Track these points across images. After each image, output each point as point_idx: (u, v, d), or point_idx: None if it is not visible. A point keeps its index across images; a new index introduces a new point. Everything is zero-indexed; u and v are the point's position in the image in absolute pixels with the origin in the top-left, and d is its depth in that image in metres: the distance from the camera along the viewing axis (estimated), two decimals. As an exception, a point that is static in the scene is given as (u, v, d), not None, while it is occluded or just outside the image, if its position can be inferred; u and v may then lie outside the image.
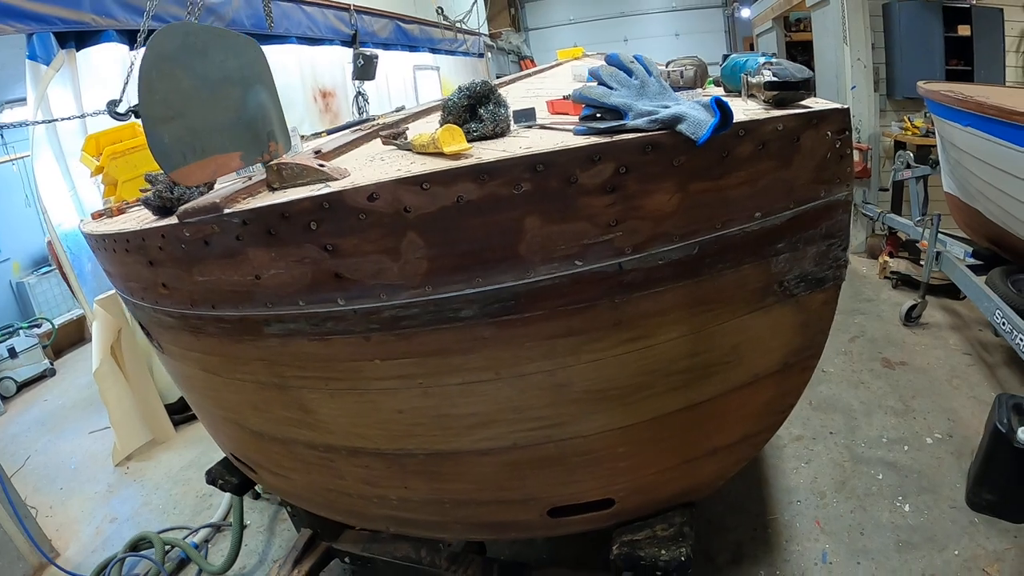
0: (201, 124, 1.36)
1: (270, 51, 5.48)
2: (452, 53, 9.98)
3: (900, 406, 3.73)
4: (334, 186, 1.37)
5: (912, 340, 4.57)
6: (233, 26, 4.92)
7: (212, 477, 2.55)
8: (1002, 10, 6.45)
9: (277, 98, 1.64)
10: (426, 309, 1.37)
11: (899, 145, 6.26)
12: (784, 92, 1.39)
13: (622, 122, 1.33)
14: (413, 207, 1.29)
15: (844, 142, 1.38)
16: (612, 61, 1.47)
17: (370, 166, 1.60)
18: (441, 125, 1.48)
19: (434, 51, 9.25)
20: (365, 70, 6.05)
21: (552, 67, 5.51)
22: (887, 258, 5.65)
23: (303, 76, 6.00)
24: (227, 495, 3.41)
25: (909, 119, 6.29)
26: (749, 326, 1.51)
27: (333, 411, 1.63)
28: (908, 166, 5.30)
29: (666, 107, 1.30)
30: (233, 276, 1.44)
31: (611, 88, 1.41)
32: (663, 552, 1.72)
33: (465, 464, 1.64)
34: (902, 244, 5.74)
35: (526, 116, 1.70)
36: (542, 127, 1.65)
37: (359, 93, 6.43)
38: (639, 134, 1.29)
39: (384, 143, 1.89)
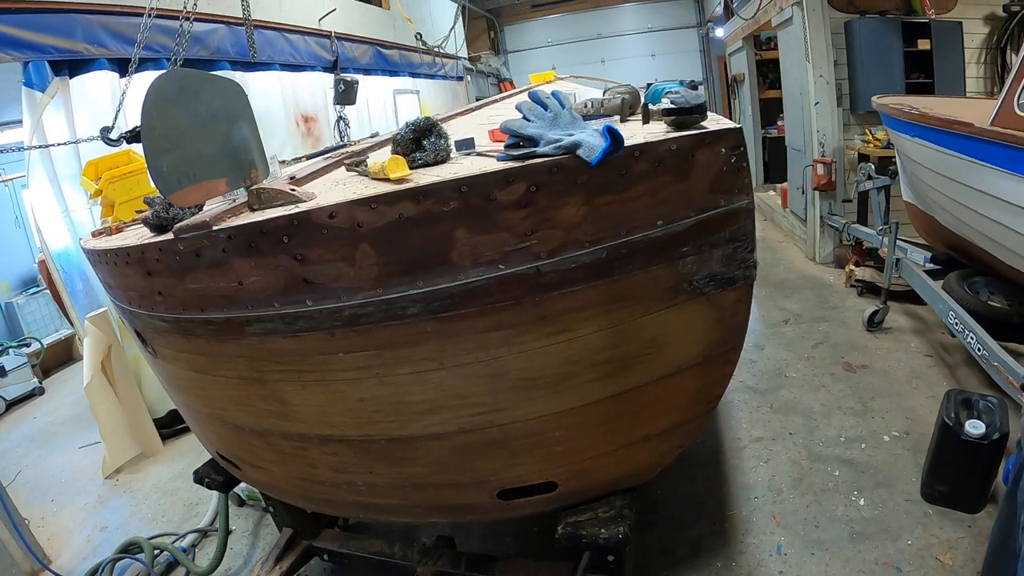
0: (194, 155, 1.61)
1: (254, 78, 5.72)
2: (432, 77, 10.20)
3: (859, 407, 3.81)
4: (302, 207, 1.60)
5: (874, 344, 4.65)
6: (218, 54, 5.13)
7: (199, 477, 2.70)
8: (961, 23, 6.53)
9: (257, 131, 1.90)
10: (379, 307, 1.59)
11: (862, 157, 6.32)
12: (680, 116, 1.59)
13: (534, 149, 1.56)
14: (365, 223, 1.52)
15: (739, 156, 1.59)
16: (532, 97, 1.73)
17: (334, 189, 1.83)
18: (391, 155, 1.71)
19: (414, 75, 9.47)
20: (346, 95, 6.26)
21: (522, 91, 5.75)
22: (853, 267, 5.75)
23: (285, 101, 6.18)
24: (212, 505, 3.57)
25: (871, 132, 6.40)
26: (664, 321, 1.70)
27: (305, 401, 1.82)
28: (870, 177, 5.40)
29: (571, 135, 1.54)
30: (220, 283, 1.66)
31: (528, 120, 1.65)
32: (603, 531, 1.90)
33: (420, 448, 1.83)
34: (868, 253, 5.82)
35: (466, 145, 1.96)
36: (479, 154, 1.90)
37: (340, 118, 6.62)
38: (547, 158, 1.52)
39: (348, 170, 2.14)
